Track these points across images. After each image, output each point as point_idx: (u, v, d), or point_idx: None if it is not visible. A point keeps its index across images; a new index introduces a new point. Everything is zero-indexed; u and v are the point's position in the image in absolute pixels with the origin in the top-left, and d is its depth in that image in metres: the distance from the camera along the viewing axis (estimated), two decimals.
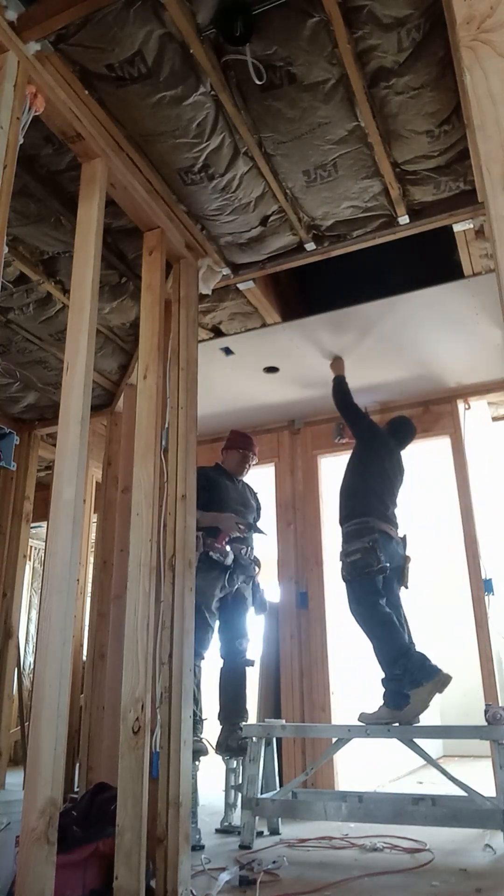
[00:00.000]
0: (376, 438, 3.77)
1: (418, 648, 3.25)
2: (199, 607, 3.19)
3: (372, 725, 3.10)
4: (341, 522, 3.57)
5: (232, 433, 4.20)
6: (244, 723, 3.49)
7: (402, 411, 4.51)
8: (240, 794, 3.23)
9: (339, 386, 3.85)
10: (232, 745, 3.39)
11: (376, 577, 3.32)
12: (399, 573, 3.50)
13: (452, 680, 3.12)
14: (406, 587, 3.54)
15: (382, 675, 3.27)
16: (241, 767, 3.35)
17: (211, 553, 3.52)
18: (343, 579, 3.47)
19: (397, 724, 3.08)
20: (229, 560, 3.58)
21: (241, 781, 3.29)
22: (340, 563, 3.48)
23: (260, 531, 3.86)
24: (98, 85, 2.18)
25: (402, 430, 3.89)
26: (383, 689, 3.23)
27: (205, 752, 3.27)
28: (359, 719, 3.19)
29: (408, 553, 3.58)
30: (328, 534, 4.50)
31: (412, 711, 3.08)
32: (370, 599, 3.32)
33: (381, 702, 3.20)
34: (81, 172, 2.26)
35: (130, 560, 2.31)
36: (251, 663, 3.70)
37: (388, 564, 3.33)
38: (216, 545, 3.55)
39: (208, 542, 3.54)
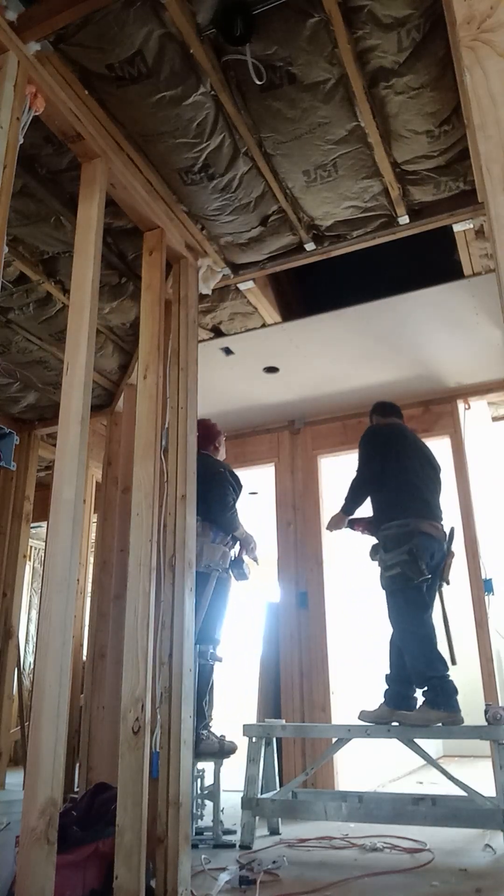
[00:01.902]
0: (385, 436, 3.44)
1: (451, 676, 3.04)
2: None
3: (372, 725, 3.09)
4: (376, 525, 3.30)
5: (205, 423, 3.72)
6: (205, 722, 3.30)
7: (403, 411, 4.50)
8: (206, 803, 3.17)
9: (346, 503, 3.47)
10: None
11: (419, 588, 3.10)
12: (441, 570, 3.23)
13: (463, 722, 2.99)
14: (447, 583, 3.28)
15: (388, 672, 3.22)
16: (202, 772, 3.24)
17: (235, 573, 3.46)
18: (382, 587, 3.23)
19: (397, 724, 3.07)
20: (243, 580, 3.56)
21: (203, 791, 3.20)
22: (379, 570, 3.23)
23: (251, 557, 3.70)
24: (98, 85, 2.18)
25: (390, 409, 3.64)
26: (386, 687, 3.20)
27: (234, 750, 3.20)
28: (359, 717, 3.16)
29: (453, 548, 3.29)
30: (328, 534, 4.50)
31: (415, 720, 3.00)
32: (412, 612, 3.11)
33: (382, 699, 3.18)
34: (81, 172, 2.26)
35: (130, 560, 2.31)
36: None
37: (429, 575, 3.10)
38: (245, 567, 3.50)
39: (242, 566, 3.48)
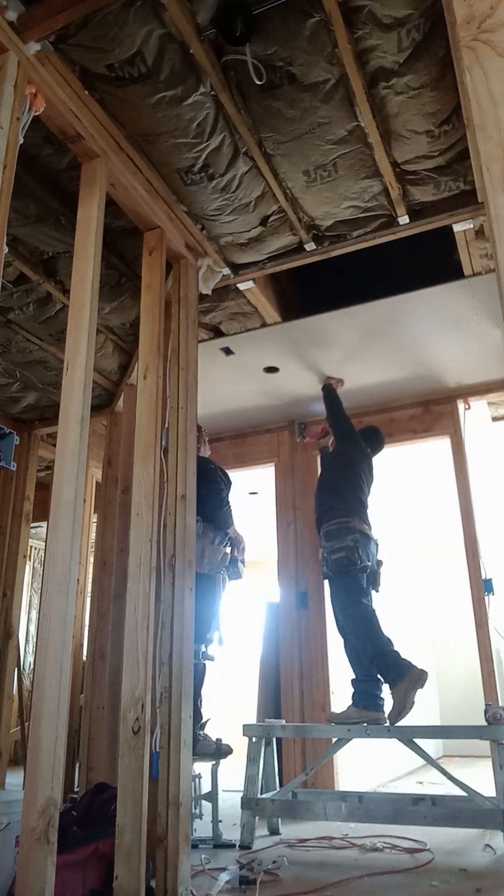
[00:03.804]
0: (358, 443, 3.86)
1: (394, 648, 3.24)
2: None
3: (372, 725, 3.10)
4: (320, 520, 3.59)
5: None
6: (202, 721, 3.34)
7: (403, 411, 4.53)
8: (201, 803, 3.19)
9: (331, 392, 4.07)
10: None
11: (359, 574, 3.37)
12: (374, 577, 3.52)
13: (429, 675, 3.14)
14: (377, 591, 3.54)
15: (354, 675, 3.30)
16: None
17: (230, 571, 3.47)
18: (325, 577, 3.52)
19: (365, 724, 3.10)
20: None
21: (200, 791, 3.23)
22: (321, 560, 3.52)
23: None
24: (98, 85, 2.18)
25: (375, 440, 3.99)
26: (353, 689, 3.27)
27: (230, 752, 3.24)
28: (326, 718, 3.23)
29: (380, 557, 3.61)
30: None
31: (396, 712, 3.05)
32: (355, 597, 3.35)
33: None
34: (81, 172, 2.26)
35: (130, 560, 2.31)
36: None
37: (369, 563, 3.39)
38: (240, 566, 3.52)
39: (237, 564, 3.50)
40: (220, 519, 3.42)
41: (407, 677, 3.06)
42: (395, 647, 3.22)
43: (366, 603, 3.35)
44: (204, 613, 3.32)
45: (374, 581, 3.52)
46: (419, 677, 3.07)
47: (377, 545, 3.61)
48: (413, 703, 3.07)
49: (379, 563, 3.58)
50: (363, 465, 3.80)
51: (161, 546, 2.47)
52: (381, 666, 3.16)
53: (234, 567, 3.54)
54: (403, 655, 3.18)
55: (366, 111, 2.29)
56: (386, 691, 3.23)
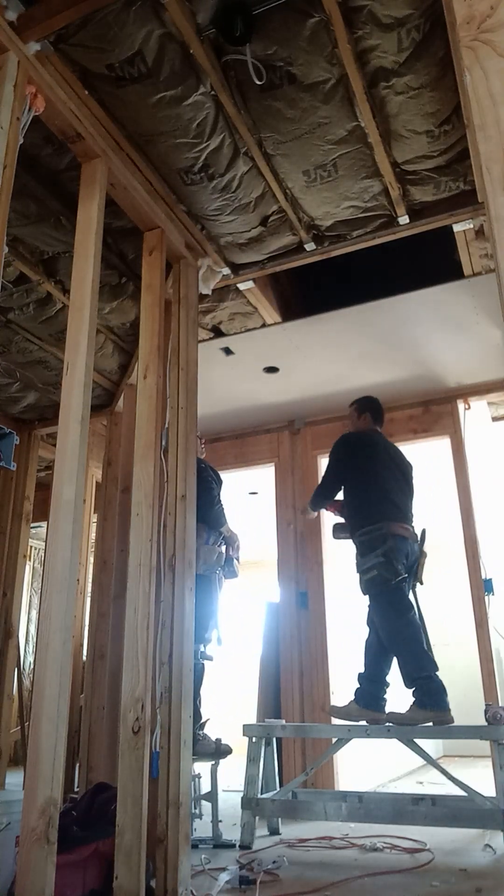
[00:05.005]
0: (355, 445, 3.54)
1: (439, 676, 3.09)
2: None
3: (372, 725, 3.10)
4: (352, 533, 3.38)
5: None
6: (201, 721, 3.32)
7: (402, 411, 4.53)
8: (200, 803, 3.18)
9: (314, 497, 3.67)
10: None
11: (398, 588, 3.16)
12: (414, 570, 3.30)
13: (454, 722, 3.01)
14: (421, 583, 3.35)
15: (362, 670, 3.26)
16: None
17: (226, 570, 3.45)
18: (363, 592, 3.30)
19: (364, 723, 3.09)
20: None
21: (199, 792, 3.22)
22: (357, 576, 3.30)
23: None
24: (98, 85, 2.18)
25: (373, 407, 3.68)
26: (357, 685, 3.23)
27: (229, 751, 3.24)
28: (328, 711, 3.19)
29: (424, 549, 3.37)
30: (328, 534, 4.50)
31: (401, 719, 3.02)
32: (397, 614, 3.16)
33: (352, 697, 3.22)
34: (81, 172, 2.26)
35: (130, 560, 2.31)
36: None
37: (406, 575, 3.18)
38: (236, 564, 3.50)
39: (233, 563, 3.47)
40: (212, 518, 3.41)
41: (437, 712, 2.96)
42: (439, 675, 3.07)
43: (410, 619, 3.15)
44: (201, 613, 3.32)
45: (414, 574, 3.29)
46: (444, 720, 2.96)
47: (422, 538, 3.36)
48: (415, 726, 3.02)
49: (422, 554, 3.33)
50: (384, 456, 3.47)
51: (161, 546, 2.47)
52: (422, 687, 3.03)
53: (229, 566, 3.53)
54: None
55: (366, 111, 2.29)
56: (391, 691, 3.22)
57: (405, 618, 3.16)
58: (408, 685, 3.09)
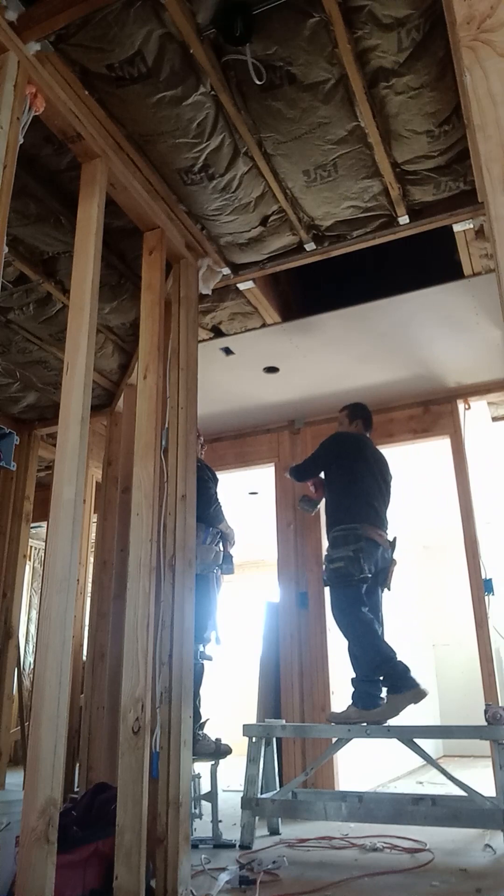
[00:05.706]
0: (345, 444, 3.64)
1: (400, 658, 3.21)
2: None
3: (372, 725, 3.10)
4: (328, 528, 3.53)
5: None
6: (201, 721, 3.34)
7: (402, 411, 4.53)
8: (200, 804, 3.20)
9: (293, 469, 3.84)
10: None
11: (358, 586, 3.28)
12: (384, 576, 3.46)
13: (429, 695, 3.15)
14: (388, 589, 3.50)
15: (354, 675, 3.29)
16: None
17: (223, 567, 3.46)
18: (324, 584, 3.50)
19: (365, 724, 3.11)
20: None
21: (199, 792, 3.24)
22: (323, 567, 3.48)
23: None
24: (98, 85, 2.18)
25: (365, 415, 3.80)
26: (353, 689, 3.26)
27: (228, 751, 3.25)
28: (327, 718, 3.22)
29: (395, 557, 3.51)
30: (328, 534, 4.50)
31: (383, 714, 3.11)
32: (351, 608, 3.28)
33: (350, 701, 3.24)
34: (81, 172, 2.26)
35: (130, 560, 2.31)
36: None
37: (370, 574, 3.30)
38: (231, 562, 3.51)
39: (231, 560, 3.49)
40: (209, 516, 3.41)
41: (411, 691, 3.08)
42: (400, 658, 3.19)
43: (362, 612, 3.27)
44: (200, 613, 3.32)
45: (383, 581, 3.44)
46: (419, 695, 3.09)
47: (393, 545, 3.49)
48: (399, 713, 3.11)
49: (392, 562, 3.47)
50: (369, 459, 3.59)
51: (161, 546, 2.47)
52: (388, 671, 3.15)
53: (227, 563, 3.55)
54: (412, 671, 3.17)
55: (366, 111, 2.29)
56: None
57: (359, 610, 3.29)
58: (373, 675, 3.19)
